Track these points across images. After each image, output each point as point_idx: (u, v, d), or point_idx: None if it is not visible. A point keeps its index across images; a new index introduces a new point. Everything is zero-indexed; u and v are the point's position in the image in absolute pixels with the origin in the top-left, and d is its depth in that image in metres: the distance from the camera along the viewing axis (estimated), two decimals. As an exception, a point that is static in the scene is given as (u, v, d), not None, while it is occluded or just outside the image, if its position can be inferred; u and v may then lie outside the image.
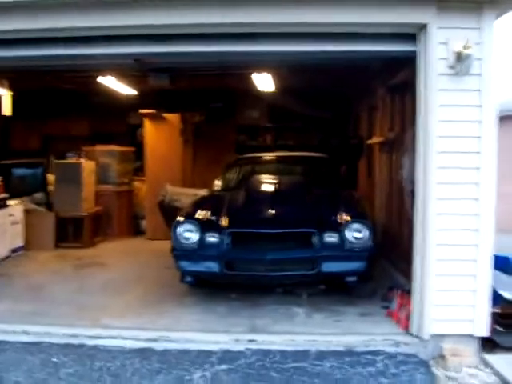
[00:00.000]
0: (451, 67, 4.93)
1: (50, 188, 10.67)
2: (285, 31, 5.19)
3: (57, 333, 5.36)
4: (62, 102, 12.42)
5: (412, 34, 5.13)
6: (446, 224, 5.04)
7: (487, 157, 4.98)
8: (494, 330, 5.21)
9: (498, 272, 5.73)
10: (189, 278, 6.47)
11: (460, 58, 4.84)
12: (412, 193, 5.62)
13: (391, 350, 5.07)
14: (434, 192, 5.03)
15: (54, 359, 4.89)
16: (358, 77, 8.84)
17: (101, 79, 9.10)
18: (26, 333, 5.36)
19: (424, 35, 5.01)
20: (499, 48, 5.15)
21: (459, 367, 4.89)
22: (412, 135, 5.76)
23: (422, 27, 4.99)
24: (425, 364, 4.92)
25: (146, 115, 11.19)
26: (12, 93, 9.67)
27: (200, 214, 6.63)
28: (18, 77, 8.87)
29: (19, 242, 9.24)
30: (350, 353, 5.01)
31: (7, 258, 8.79)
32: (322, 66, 7.56)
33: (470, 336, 5.10)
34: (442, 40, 4.93)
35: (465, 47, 4.75)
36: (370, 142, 9.55)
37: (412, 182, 5.67)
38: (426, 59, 5.03)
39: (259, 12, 5.00)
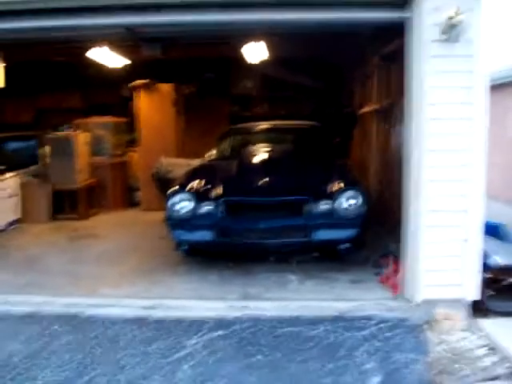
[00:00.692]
0: (443, 33, 4.90)
1: (44, 161, 10.64)
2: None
3: (53, 303, 5.42)
4: (54, 75, 12.31)
5: (404, 1, 5.10)
6: (437, 191, 5.07)
7: (479, 123, 4.99)
8: (485, 295, 5.29)
9: (489, 238, 5.80)
10: (183, 247, 6.51)
11: (451, 24, 4.81)
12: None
13: (384, 314, 5.14)
14: (425, 159, 5.05)
15: (51, 328, 4.94)
16: (351, 46, 8.79)
17: (93, 51, 9.02)
18: (22, 303, 5.41)
19: (416, 1, 4.98)
20: (491, 15, 5.13)
21: (451, 331, 4.96)
22: (406, 103, 5.76)
23: (415, -7, 4.97)
24: (417, 328, 4.98)
25: (138, 87, 11.11)
26: (4, 64, 9.60)
27: (194, 183, 6.65)
28: (8, 49, 8.80)
29: (15, 215, 9.26)
30: (343, 318, 5.08)
31: (3, 230, 8.82)
32: (314, 35, 7.52)
33: (461, 300, 5.16)
34: (434, 6, 4.90)
35: (456, 13, 4.73)
36: (364, 110, 9.54)
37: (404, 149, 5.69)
38: (418, 26, 5.01)
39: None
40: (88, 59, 9.62)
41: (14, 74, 10.01)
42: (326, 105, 12.25)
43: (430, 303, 5.17)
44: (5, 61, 9.48)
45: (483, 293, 5.23)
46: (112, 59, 9.88)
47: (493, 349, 4.62)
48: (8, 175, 9.27)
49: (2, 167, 9.10)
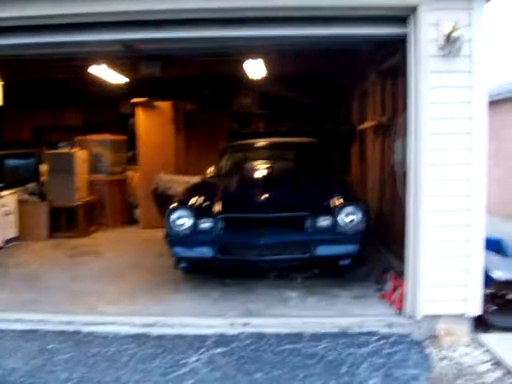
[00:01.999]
0: (441, 49, 4.93)
1: (43, 178, 10.64)
2: (274, 15, 5.18)
3: (52, 320, 5.39)
4: (53, 93, 12.35)
5: (403, 17, 5.13)
6: (438, 205, 5.07)
7: (478, 137, 5.00)
8: (486, 311, 5.27)
9: (490, 253, 5.79)
10: (183, 264, 6.50)
11: (450, 39, 4.84)
12: (404, 176, 5.65)
13: (385, 330, 5.12)
14: (426, 174, 5.05)
15: (50, 346, 4.91)
16: (349, 62, 8.83)
17: (92, 69, 9.05)
18: (22, 321, 5.39)
19: (414, 17, 5.02)
20: (490, 30, 5.17)
21: (453, 346, 4.95)
22: (404, 119, 5.78)
23: (413, 9, 4.99)
24: (419, 344, 4.97)
25: (137, 104, 11.16)
26: (3, 83, 9.63)
27: (193, 200, 6.64)
28: (7, 67, 8.82)
29: (13, 233, 9.23)
30: (344, 334, 5.06)
31: (1, 248, 8.79)
32: (312, 52, 7.57)
33: (463, 316, 5.14)
34: (433, 22, 4.93)
35: (454, 28, 4.76)
36: (361, 127, 9.56)
37: (404, 165, 5.70)
38: (417, 41, 5.03)
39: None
40: (86, 77, 9.66)
41: (13, 92, 10.05)
42: (324, 121, 12.28)
43: (432, 318, 5.15)
44: (3, 79, 9.52)
45: (485, 308, 5.21)
46: (112, 76, 9.92)
47: (496, 364, 4.60)
48: (6, 192, 9.24)
49: (0, 185, 9.07)
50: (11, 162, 10.98)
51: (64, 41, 5.49)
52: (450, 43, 4.82)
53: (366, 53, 7.49)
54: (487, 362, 4.66)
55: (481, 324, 5.25)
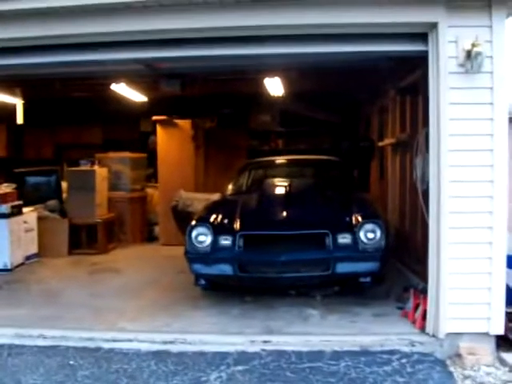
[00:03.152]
0: (461, 65, 4.93)
1: (64, 195, 10.74)
2: (294, 33, 5.22)
3: (73, 336, 5.40)
4: (73, 111, 12.52)
5: (423, 34, 5.12)
6: (459, 222, 5.03)
7: (500, 154, 4.97)
8: (508, 329, 5.20)
9: (510, 271, 5.72)
10: (202, 281, 6.52)
11: (470, 55, 4.83)
12: (425, 193, 5.62)
13: (407, 349, 5.06)
14: (447, 190, 5.02)
15: (71, 362, 4.92)
16: (368, 79, 8.85)
17: (112, 87, 9.15)
18: (43, 337, 5.40)
19: (435, 34, 5.01)
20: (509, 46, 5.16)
21: (476, 366, 4.87)
22: (424, 135, 5.77)
23: (433, 26, 4.99)
24: (441, 363, 4.90)
25: (157, 122, 11.26)
26: (24, 101, 9.78)
27: (213, 217, 6.65)
28: (28, 86, 8.96)
29: (33, 249, 9.29)
30: (365, 352, 5.01)
31: (22, 264, 8.84)
32: (331, 69, 7.59)
33: (486, 334, 5.07)
34: (452, 38, 4.94)
35: (474, 45, 4.75)
36: (381, 143, 9.55)
37: (425, 182, 5.67)
38: (437, 58, 5.03)
39: (268, 14, 5.02)
40: (107, 95, 9.77)
41: (34, 110, 10.21)
42: (343, 138, 12.28)
43: (455, 337, 5.09)
44: (24, 97, 9.67)
45: (506, 326, 5.14)
46: (132, 94, 10.03)
47: (519, 384, 4.53)
48: (27, 209, 9.33)
49: (21, 202, 9.16)
50: (32, 180, 11.11)
51: (84, 60, 5.58)
52: (471, 59, 4.81)
53: (385, 70, 7.50)
54: (510, 382, 4.59)
55: (503, 343, 5.17)
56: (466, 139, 5.01)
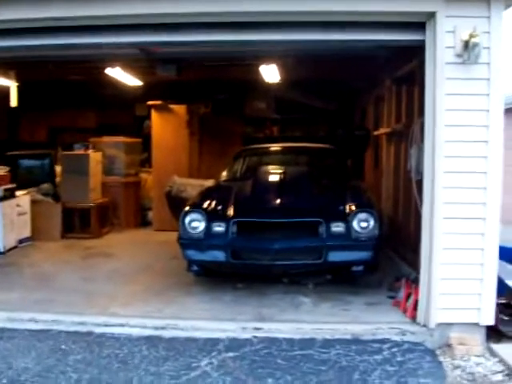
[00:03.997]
0: (458, 56, 4.91)
1: (58, 179, 10.71)
2: (291, 20, 5.20)
3: (65, 320, 5.40)
4: (68, 94, 12.45)
5: (420, 23, 5.10)
6: (453, 213, 5.04)
7: (495, 146, 4.97)
8: (499, 320, 5.22)
9: (504, 262, 5.75)
10: (195, 267, 6.54)
11: (467, 46, 4.81)
12: (418, 183, 5.62)
13: (398, 338, 5.09)
14: (441, 181, 5.02)
15: (63, 346, 4.92)
16: (365, 68, 8.81)
17: (108, 71, 9.10)
18: (35, 320, 5.41)
19: (432, 24, 4.99)
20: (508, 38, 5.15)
21: (466, 356, 4.90)
22: (419, 125, 5.76)
23: (431, 16, 4.97)
24: (431, 353, 4.93)
25: (152, 106, 11.21)
26: (18, 84, 9.71)
27: (207, 203, 6.65)
28: (22, 68, 8.89)
29: (26, 233, 9.28)
30: (356, 341, 5.03)
31: (15, 248, 8.84)
32: (328, 57, 7.56)
33: (477, 325, 5.09)
34: (450, 29, 4.91)
35: (471, 35, 4.74)
36: (376, 133, 9.54)
37: (419, 172, 5.67)
38: (434, 48, 5.01)
39: (267, 0, 4.99)
40: (102, 79, 9.71)
41: (29, 93, 10.13)
42: (339, 126, 12.27)
43: (445, 327, 5.11)
44: (18, 80, 9.59)
45: (497, 317, 5.17)
46: (127, 79, 9.97)
47: (509, 374, 4.55)
48: (20, 193, 9.30)
49: (14, 185, 9.12)
50: (26, 163, 11.10)
51: (80, 43, 5.55)
52: (469, 50, 4.80)
53: (381, 59, 7.47)
54: (500, 372, 4.61)
55: (494, 333, 5.20)
56: (461, 130, 5.00)
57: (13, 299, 6.12)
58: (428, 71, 5.11)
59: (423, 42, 5.12)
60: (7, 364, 4.57)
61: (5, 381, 4.30)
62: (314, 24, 5.20)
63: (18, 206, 9.07)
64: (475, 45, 4.77)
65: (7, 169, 9.36)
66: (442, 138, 5.01)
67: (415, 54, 5.87)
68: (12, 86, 9.64)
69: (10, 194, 8.89)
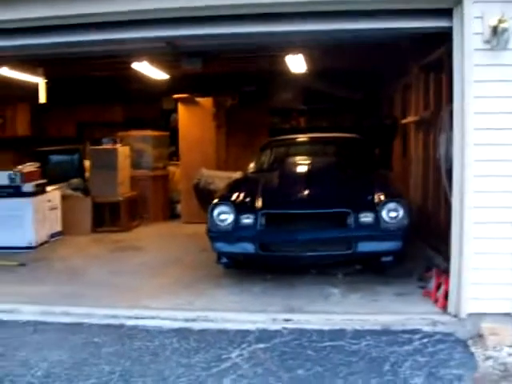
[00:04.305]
0: (487, 42, 4.82)
1: (87, 174, 10.83)
2: (317, 10, 5.15)
3: (97, 313, 5.47)
4: (95, 89, 12.58)
5: (447, 9, 5.02)
6: (483, 202, 4.96)
7: (526, 133, 4.89)
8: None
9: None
10: (225, 259, 6.56)
11: (496, 32, 4.73)
12: (448, 171, 5.56)
13: (428, 329, 5.03)
14: (471, 169, 4.95)
15: (95, 339, 4.98)
16: (391, 56, 8.74)
17: (134, 65, 9.15)
18: (67, 314, 5.49)
19: (460, 10, 4.91)
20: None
21: (498, 346, 4.82)
22: (448, 113, 5.68)
23: (458, 2, 4.88)
24: (463, 343, 4.86)
25: (179, 99, 11.25)
26: (46, 80, 9.81)
27: (235, 195, 6.66)
28: (50, 65, 8.98)
29: (57, 227, 9.40)
30: (386, 332, 4.99)
31: (46, 242, 8.95)
32: (354, 47, 7.50)
33: (509, 315, 5.01)
34: (478, 14, 4.82)
35: (500, 21, 4.65)
36: (404, 121, 9.44)
37: (448, 160, 5.60)
38: (462, 34, 4.92)
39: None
40: (128, 73, 9.77)
41: (57, 89, 10.24)
42: (366, 116, 12.17)
43: (477, 317, 5.04)
44: (46, 77, 9.70)
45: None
46: (153, 72, 10.02)
47: (542, 365, 4.49)
48: (50, 188, 9.41)
49: (45, 180, 9.24)
50: (55, 158, 11.25)
51: (105, 39, 5.59)
52: (497, 36, 4.71)
53: (408, 46, 7.39)
54: (533, 362, 4.56)
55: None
56: (491, 117, 4.91)
57: (45, 293, 6.22)
58: (456, 58, 5.03)
59: (451, 28, 5.04)
60: (41, 357, 4.64)
61: (39, 373, 4.36)
62: (341, 13, 5.15)
63: (48, 201, 9.18)
64: (504, 30, 4.68)
65: (37, 164, 9.48)
66: (472, 126, 4.93)
67: (443, 41, 5.79)
68: (40, 82, 9.74)
69: (41, 190, 9.00)
